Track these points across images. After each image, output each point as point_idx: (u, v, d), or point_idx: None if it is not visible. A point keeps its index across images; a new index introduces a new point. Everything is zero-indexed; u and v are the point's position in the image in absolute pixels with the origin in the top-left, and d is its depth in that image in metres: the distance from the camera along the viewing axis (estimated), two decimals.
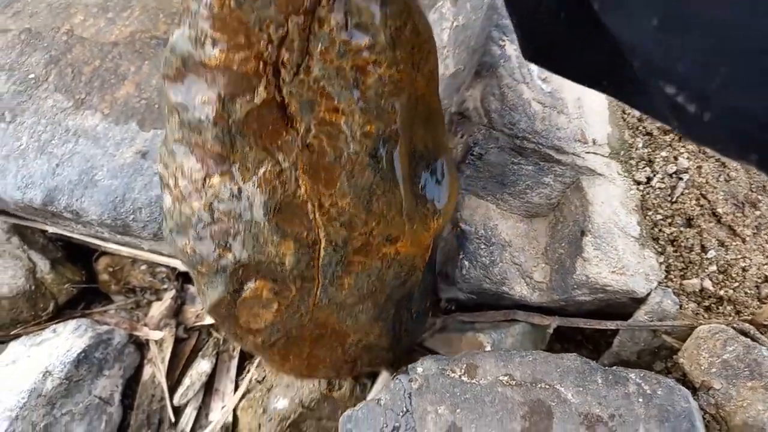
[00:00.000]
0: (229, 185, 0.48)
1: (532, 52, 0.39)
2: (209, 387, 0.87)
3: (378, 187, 0.48)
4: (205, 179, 0.48)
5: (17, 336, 0.90)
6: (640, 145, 0.70)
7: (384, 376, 0.76)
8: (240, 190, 0.48)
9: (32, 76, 0.84)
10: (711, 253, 0.66)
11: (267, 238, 0.49)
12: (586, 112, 0.67)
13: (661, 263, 0.66)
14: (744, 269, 0.66)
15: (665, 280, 0.66)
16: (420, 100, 0.51)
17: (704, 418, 0.57)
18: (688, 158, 0.69)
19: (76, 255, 0.95)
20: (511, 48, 0.63)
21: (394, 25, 0.44)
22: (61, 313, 0.95)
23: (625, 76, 0.30)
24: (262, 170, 0.47)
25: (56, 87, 0.83)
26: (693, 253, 0.66)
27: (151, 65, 0.87)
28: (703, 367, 0.59)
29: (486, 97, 0.62)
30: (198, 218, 0.50)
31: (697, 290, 0.66)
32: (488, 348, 0.68)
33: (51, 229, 0.85)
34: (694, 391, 0.59)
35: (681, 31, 0.23)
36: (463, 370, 0.60)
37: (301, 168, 0.47)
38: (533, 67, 0.63)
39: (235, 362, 0.87)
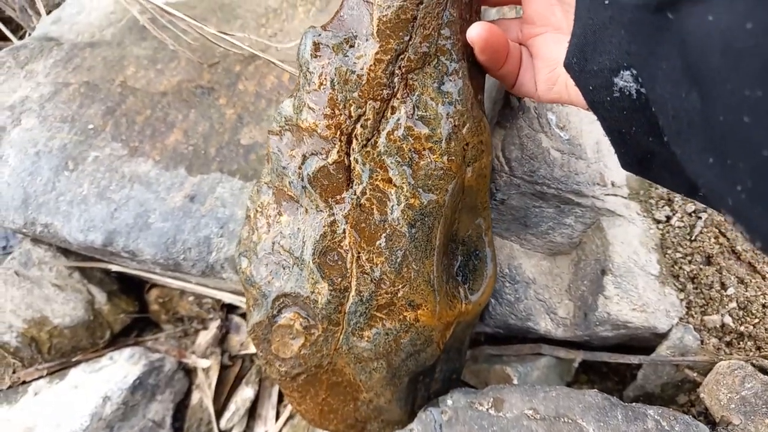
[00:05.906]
0: (292, 224, 0.58)
1: (629, 165, 0.41)
2: (253, 412, 0.93)
3: (410, 254, 0.54)
4: (276, 216, 0.60)
5: (77, 363, 0.98)
6: (660, 185, 0.73)
7: None
8: (299, 230, 0.57)
9: (91, 126, 0.92)
10: (731, 290, 0.68)
11: (308, 275, 0.57)
12: (605, 156, 0.70)
13: (681, 300, 0.68)
14: (764, 305, 0.68)
15: (686, 317, 0.68)
16: (467, 192, 0.57)
17: None
18: None
19: (129, 287, 1.03)
20: (529, 100, 0.67)
21: (452, 123, 0.52)
22: (116, 341, 1.03)
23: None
24: (319, 217, 0.56)
25: (113, 136, 0.91)
26: (713, 290, 0.69)
27: (197, 113, 0.95)
28: (722, 403, 0.61)
29: (506, 147, 0.66)
30: (262, 247, 0.60)
31: (717, 326, 0.68)
32: (515, 381, 0.72)
33: (114, 268, 0.93)
34: (714, 425, 0.61)
35: (731, 171, 0.25)
36: (490, 404, 0.64)
37: (350, 222, 0.54)
38: (551, 117, 0.67)
39: (276, 388, 0.93)
